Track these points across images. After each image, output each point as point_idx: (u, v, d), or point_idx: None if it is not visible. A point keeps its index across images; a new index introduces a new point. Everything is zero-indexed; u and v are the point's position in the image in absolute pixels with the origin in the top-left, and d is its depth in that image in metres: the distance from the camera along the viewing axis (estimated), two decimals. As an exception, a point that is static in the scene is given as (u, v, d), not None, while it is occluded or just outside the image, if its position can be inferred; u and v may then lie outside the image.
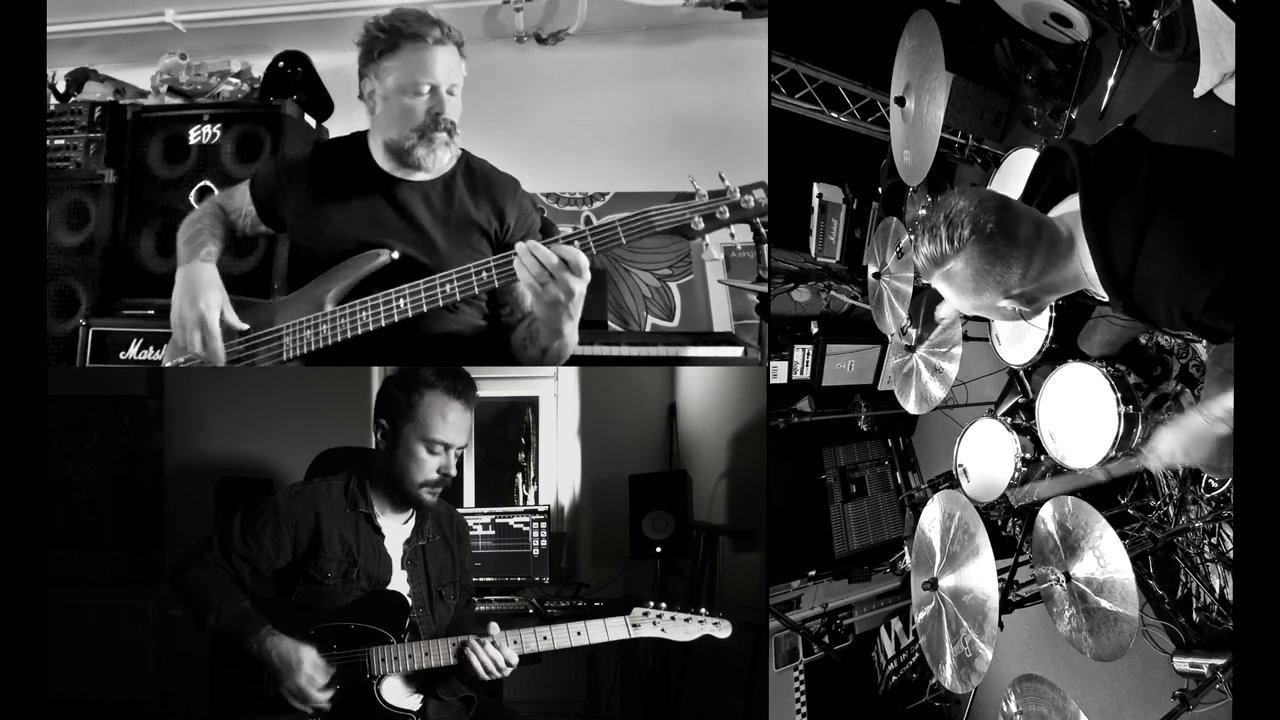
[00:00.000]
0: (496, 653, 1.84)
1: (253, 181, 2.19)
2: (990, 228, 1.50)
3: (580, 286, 1.80)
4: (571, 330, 1.91)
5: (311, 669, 1.82)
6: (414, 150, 2.00)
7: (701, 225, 1.86)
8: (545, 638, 1.88)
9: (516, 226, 2.08)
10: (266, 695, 1.82)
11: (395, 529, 2.00)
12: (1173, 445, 1.63)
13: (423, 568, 2.00)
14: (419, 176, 2.06)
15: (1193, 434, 1.60)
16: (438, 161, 2.03)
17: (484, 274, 1.89)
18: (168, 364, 2.10)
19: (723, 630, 1.96)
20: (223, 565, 1.89)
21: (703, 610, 1.97)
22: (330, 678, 1.84)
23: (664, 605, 1.94)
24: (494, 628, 1.86)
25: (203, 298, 1.98)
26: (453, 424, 1.93)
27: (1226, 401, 1.53)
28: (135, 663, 3.22)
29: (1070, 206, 1.59)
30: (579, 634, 1.90)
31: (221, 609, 1.84)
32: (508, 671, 1.86)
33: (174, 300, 2.02)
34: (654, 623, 1.93)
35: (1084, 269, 1.55)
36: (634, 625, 1.92)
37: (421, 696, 1.92)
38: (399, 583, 1.97)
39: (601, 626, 1.91)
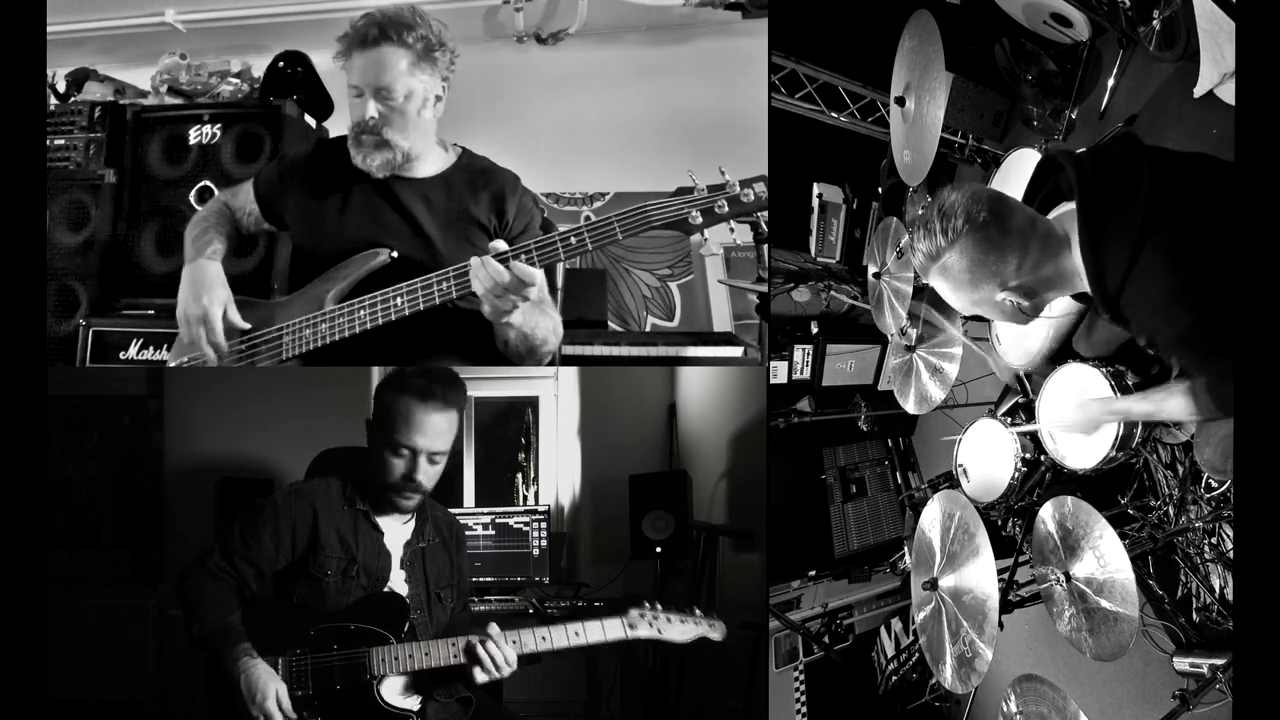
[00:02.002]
0: (498, 651, 1.84)
1: (256, 180, 2.19)
2: (983, 217, 1.51)
3: (525, 302, 1.82)
4: (528, 332, 1.93)
5: (273, 708, 1.76)
6: (353, 155, 2.01)
7: (700, 220, 1.84)
8: (544, 638, 1.89)
9: (516, 222, 2.07)
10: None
11: (394, 528, 2.00)
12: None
13: (421, 570, 2.00)
14: (417, 174, 2.06)
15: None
16: (370, 163, 2.00)
17: None
18: (173, 363, 2.10)
19: (717, 631, 1.98)
20: (226, 568, 1.88)
21: (698, 611, 1.98)
22: None
23: (660, 606, 1.95)
24: (493, 628, 1.86)
25: (207, 294, 1.99)
26: (418, 426, 1.88)
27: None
28: (135, 663, 3.21)
29: (1066, 209, 1.60)
30: (577, 634, 1.90)
31: (205, 620, 1.82)
32: (507, 672, 1.85)
33: (180, 297, 2.03)
34: (650, 623, 1.94)
35: (1081, 266, 1.56)
36: (631, 626, 1.93)
37: (420, 697, 1.92)
38: (398, 583, 1.97)
39: (599, 627, 1.92)
